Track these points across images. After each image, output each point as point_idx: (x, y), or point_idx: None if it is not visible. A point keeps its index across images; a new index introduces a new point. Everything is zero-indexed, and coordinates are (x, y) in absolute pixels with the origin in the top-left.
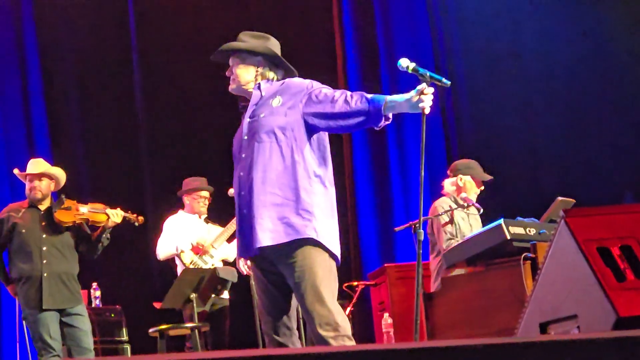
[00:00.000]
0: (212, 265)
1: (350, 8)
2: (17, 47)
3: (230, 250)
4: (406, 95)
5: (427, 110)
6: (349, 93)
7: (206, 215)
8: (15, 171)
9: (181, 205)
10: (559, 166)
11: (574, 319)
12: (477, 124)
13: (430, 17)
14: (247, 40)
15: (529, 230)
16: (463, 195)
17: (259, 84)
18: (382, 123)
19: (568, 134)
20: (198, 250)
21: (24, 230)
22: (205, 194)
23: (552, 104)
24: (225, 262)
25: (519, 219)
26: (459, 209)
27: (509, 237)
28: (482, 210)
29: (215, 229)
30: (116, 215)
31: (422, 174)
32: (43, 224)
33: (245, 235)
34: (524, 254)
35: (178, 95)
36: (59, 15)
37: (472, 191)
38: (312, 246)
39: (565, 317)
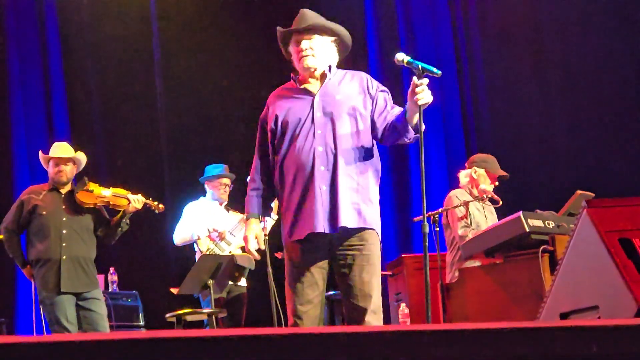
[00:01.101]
0: (230, 252)
1: (373, 8)
2: (39, 32)
3: None
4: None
5: (421, 102)
6: (397, 108)
7: (227, 202)
8: (40, 154)
9: (201, 192)
10: (577, 160)
11: (595, 309)
12: (496, 118)
13: (451, 14)
14: (319, 19)
15: (548, 223)
16: (482, 187)
17: (330, 65)
18: (411, 135)
19: (586, 128)
20: (214, 236)
21: (44, 213)
22: (227, 181)
23: (570, 98)
24: (244, 249)
25: (538, 211)
26: (474, 201)
27: (528, 230)
28: (500, 203)
29: (235, 217)
30: (137, 201)
31: (423, 167)
32: (64, 207)
33: (326, 211)
34: (543, 247)
35: (198, 79)
36: (80, 2)
37: (486, 184)
38: (375, 236)
39: (586, 308)
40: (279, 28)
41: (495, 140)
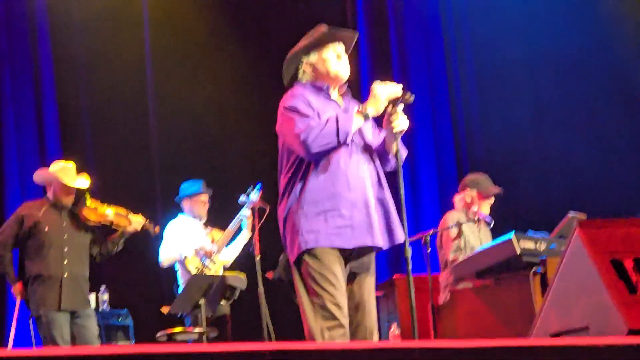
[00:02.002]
0: (216, 271)
1: (365, 26)
2: (31, 50)
3: (229, 255)
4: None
5: (397, 130)
6: None
7: (206, 220)
8: (52, 174)
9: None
10: (571, 180)
11: (585, 330)
12: (488, 137)
13: (444, 35)
14: None
15: (539, 245)
16: (474, 208)
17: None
18: (392, 163)
19: (580, 148)
20: (201, 255)
21: (46, 229)
22: (205, 197)
23: (564, 117)
24: (225, 267)
25: (530, 233)
26: (469, 223)
27: (519, 252)
28: (492, 224)
29: (214, 234)
30: (137, 223)
31: (402, 192)
32: (64, 224)
33: (382, 226)
34: (534, 269)
35: (191, 95)
36: (73, 21)
37: (483, 205)
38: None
39: (576, 329)
40: (325, 30)
41: (487, 162)
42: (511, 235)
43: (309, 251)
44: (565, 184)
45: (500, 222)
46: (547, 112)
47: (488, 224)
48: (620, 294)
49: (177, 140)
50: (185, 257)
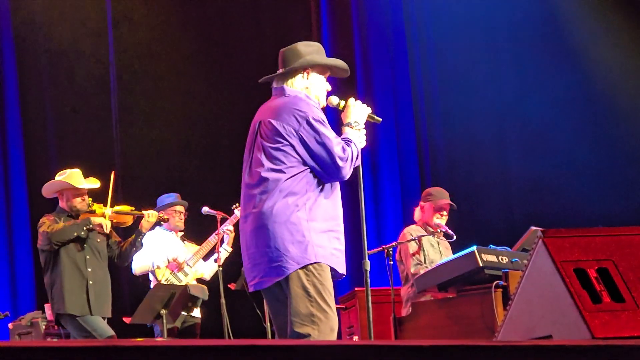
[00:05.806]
0: (188, 282)
1: (330, 41)
2: None
3: (206, 268)
4: None
5: (361, 146)
6: None
7: (183, 233)
8: (65, 182)
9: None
10: (532, 195)
11: (548, 339)
12: (451, 154)
13: (409, 49)
14: None
15: (502, 259)
16: (436, 222)
17: None
18: None
19: (541, 163)
20: (173, 266)
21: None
22: (181, 208)
23: (526, 133)
24: (200, 280)
25: (492, 247)
26: (428, 236)
27: (481, 265)
28: (454, 237)
29: (191, 247)
30: (151, 216)
31: (363, 205)
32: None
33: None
34: (496, 282)
35: (155, 111)
36: (37, 25)
37: (435, 217)
38: None
39: (540, 337)
40: (343, 65)
41: (450, 176)
42: (473, 248)
43: (318, 264)
44: (526, 199)
45: (462, 237)
46: (508, 127)
47: (450, 237)
48: (583, 302)
49: (140, 153)
50: (157, 267)
